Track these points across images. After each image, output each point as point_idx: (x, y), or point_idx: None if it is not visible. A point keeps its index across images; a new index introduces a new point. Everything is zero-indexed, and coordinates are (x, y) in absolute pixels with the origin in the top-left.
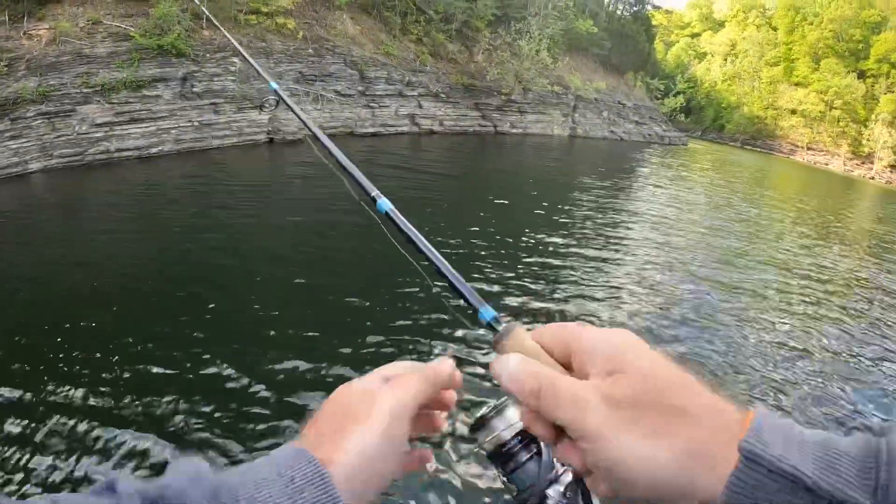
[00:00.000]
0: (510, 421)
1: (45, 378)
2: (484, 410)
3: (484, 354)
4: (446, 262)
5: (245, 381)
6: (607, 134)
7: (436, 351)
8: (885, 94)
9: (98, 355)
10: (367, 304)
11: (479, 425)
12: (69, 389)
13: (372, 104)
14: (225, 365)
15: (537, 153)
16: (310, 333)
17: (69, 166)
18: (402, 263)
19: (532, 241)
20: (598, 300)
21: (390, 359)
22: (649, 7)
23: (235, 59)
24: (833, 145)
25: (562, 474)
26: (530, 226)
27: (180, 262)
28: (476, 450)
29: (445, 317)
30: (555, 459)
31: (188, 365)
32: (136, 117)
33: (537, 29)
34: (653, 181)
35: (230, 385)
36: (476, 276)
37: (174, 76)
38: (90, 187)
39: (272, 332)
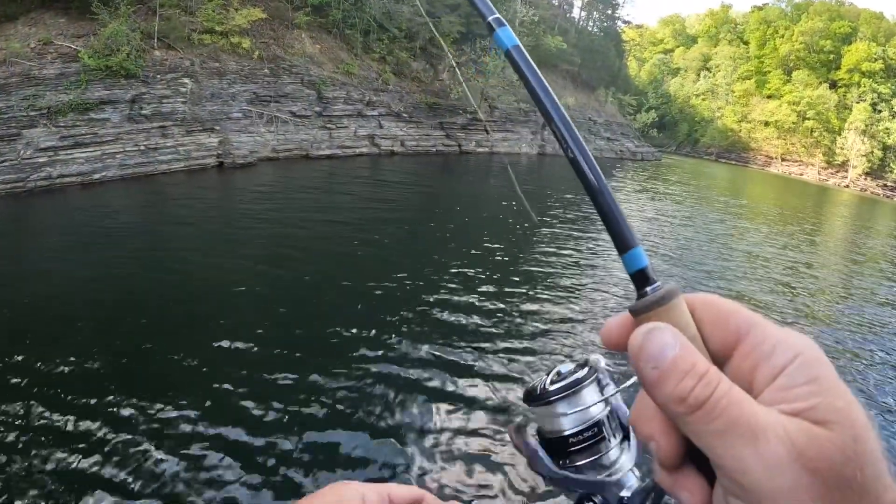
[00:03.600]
0: (586, 405)
1: None
2: (551, 382)
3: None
4: (584, 146)
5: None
6: None
7: None
8: (858, 102)
9: (27, 389)
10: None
11: (540, 398)
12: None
13: (329, 125)
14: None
15: (504, 172)
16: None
17: (11, 193)
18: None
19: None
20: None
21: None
22: (620, 23)
23: (186, 80)
24: (807, 155)
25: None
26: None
27: (120, 295)
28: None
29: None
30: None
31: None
32: (81, 141)
33: None
34: (623, 198)
35: (187, 411)
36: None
37: (122, 98)
38: (31, 216)
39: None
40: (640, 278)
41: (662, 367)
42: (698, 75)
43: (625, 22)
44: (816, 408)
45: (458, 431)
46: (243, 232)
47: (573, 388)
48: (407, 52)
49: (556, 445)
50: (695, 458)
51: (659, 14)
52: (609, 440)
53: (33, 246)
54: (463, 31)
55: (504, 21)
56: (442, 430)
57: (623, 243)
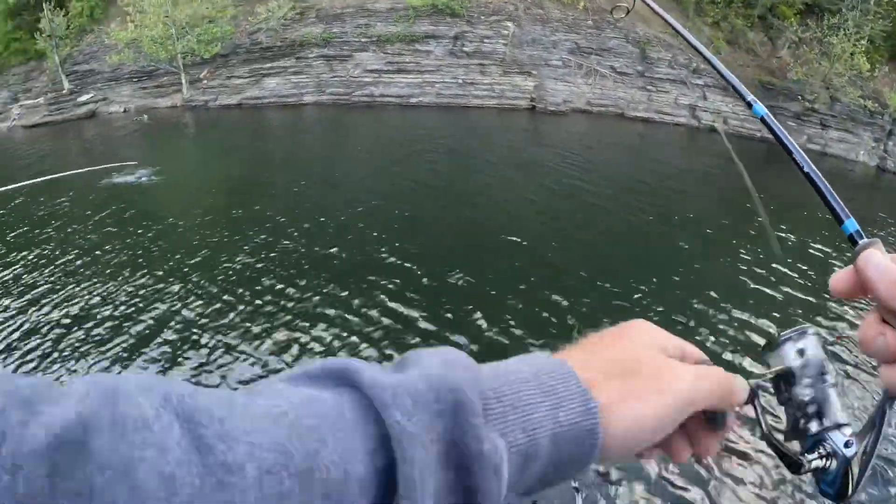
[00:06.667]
0: (811, 347)
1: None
2: (781, 333)
3: None
4: (818, 172)
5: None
6: None
7: None
8: None
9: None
10: None
11: (772, 345)
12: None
13: (649, 87)
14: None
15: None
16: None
17: (337, 103)
18: None
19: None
20: None
21: None
22: None
23: (509, 23)
24: None
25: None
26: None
27: (418, 199)
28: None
29: None
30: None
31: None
32: (404, 68)
33: (854, 25)
34: None
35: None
36: None
37: (446, 34)
38: (353, 122)
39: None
40: (856, 236)
41: (887, 273)
42: None
43: None
44: None
45: None
46: (547, 171)
47: (799, 330)
48: (743, 20)
49: (785, 379)
50: None
51: None
52: (827, 377)
53: (352, 146)
54: (809, 2)
55: (757, 100)
56: None
57: (841, 217)
